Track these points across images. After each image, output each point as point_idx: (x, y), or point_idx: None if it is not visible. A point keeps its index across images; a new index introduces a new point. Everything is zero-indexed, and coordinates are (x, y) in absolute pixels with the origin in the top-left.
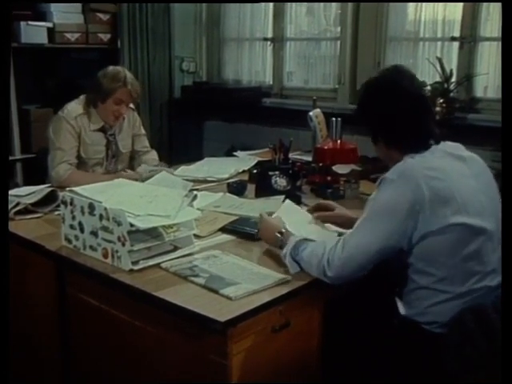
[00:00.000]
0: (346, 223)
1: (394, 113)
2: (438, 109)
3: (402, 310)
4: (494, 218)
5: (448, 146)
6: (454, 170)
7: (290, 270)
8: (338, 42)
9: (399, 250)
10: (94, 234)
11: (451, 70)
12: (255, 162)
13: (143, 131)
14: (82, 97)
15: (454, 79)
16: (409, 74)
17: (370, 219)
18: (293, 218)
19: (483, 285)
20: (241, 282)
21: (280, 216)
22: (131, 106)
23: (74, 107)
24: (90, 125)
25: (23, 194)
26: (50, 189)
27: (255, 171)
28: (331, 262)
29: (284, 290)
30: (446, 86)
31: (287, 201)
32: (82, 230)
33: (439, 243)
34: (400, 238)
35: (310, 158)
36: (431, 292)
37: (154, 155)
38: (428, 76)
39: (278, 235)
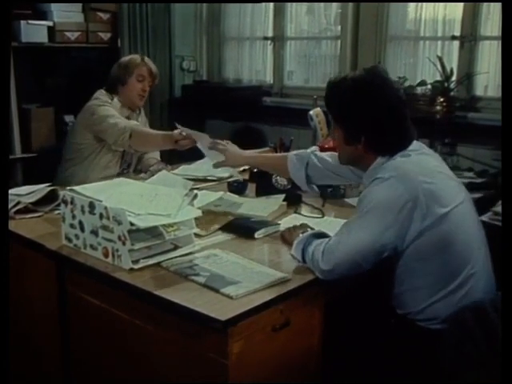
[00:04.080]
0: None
1: (384, 111)
2: (438, 107)
3: (398, 311)
4: (465, 196)
5: (417, 144)
6: (431, 165)
7: (292, 250)
8: (339, 41)
9: (394, 249)
10: (95, 233)
11: (451, 69)
12: None
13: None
14: (99, 92)
15: (454, 78)
16: (389, 76)
17: (365, 216)
18: None
19: (475, 270)
20: (241, 281)
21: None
22: None
23: (113, 103)
24: (119, 113)
25: (23, 193)
26: (51, 188)
27: (256, 170)
28: (325, 257)
29: (284, 289)
30: (446, 84)
31: None
32: (82, 229)
33: (432, 238)
34: (394, 236)
35: None
36: (426, 292)
37: (155, 154)
38: (428, 75)
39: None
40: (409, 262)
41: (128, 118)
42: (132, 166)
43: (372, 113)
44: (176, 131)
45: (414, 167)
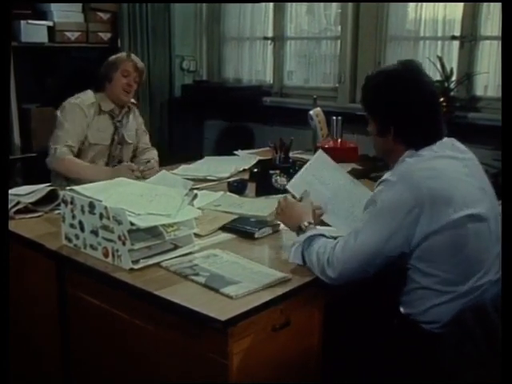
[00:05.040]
0: None
1: (415, 103)
2: None
3: (402, 309)
4: (491, 210)
5: (443, 144)
6: (450, 169)
7: (290, 258)
8: (339, 41)
9: (400, 253)
10: (95, 232)
11: (451, 69)
12: (256, 160)
13: (144, 128)
14: (89, 90)
15: (454, 78)
16: (425, 71)
17: (371, 221)
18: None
19: (486, 280)
20: (241, 281)
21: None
22: (133, 101)
23: (87, 96)
24: (101, 106)
25: (23, 193)
26: (51, 188)
27: (256, 170)
28: (331, 262)
29: (284, 289)
30: (446, 84)
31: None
32: (82, 229)
33: (441, 242)
34: (400, 240)
35: (310, 157)
36: (433, 293)
37: (154, 154)
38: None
39: (302, 226)
40: (416, 263)
41: (112, 111)
42: (121, 144)
43: (402, 103)
44: (128, 163)
45: (423, 171)
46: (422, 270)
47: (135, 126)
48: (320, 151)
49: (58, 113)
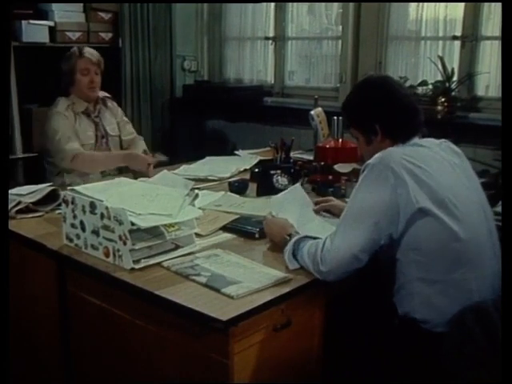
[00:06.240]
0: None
1: (389, 96)
2: (439, 107)
3: (399, 309)
4: (476, 210)
5: (433, 143)
6: (430, 159)
7: (289, 266)
8: (340, 41)
9: (389, 237)
10: (96, 232)
11: (453, 69)
12: (257, 160)
13: (126, 119)
14: (58, 99)
15: (455, 78)
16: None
17: (357, 209)
18: (295, 208)
19: (474, 275)
20: (242, 281)
21: (285, 217)
22: (107, 94)
23: (60, 102)
24: (76, 107)
25: (24, 192)
26: (52, 188)
27: (256, 170)
28: (323, 257)
29: (285, 289)
30: (447, 84)
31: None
32: (83, 229)
33: (425, 228)
34: (387, 224)
35: (311, 157)
36: (420, 284)
37: (143, 145)
38: (429, 75)
39: (287, 237)
40: (405, 252)
41: (87, 110)
42: (106, 137)
43: (377, 100)
44: (145, 156)
45: (404, 154)
46: (409, 260)
47: (114, 120)
48: (297, 185)
49: (51, 124)
